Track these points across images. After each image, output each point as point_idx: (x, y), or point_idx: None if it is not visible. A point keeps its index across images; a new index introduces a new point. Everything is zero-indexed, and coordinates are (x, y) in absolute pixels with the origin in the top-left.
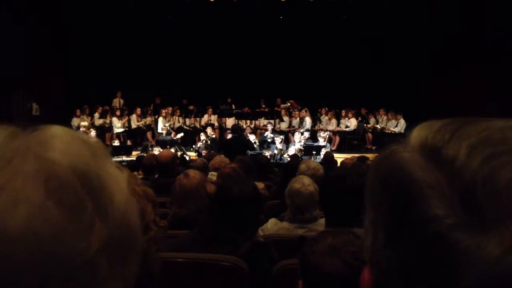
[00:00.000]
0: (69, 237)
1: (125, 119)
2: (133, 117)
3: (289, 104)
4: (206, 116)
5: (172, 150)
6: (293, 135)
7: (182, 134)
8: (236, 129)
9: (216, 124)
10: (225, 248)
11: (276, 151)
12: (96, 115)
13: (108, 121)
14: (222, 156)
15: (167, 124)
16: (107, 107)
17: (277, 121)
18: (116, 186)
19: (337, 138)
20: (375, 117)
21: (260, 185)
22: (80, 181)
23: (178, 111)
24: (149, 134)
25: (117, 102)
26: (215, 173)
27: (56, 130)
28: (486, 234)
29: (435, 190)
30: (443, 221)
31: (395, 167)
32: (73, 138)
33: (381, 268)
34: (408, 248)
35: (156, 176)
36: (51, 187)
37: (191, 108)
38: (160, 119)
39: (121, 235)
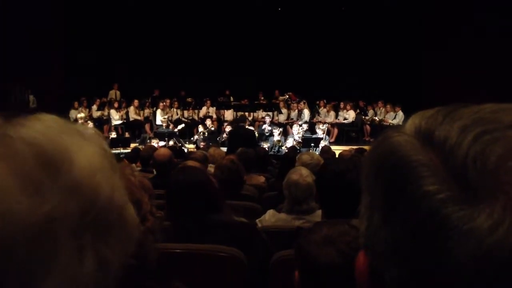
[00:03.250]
0: (11, 195)
1: (123, 111)
2: (131, 109)
3: (287, 96)
4: (204, 108)
5: (171, 142)
6: (291, 127)
7: (183, 125)
8: (241, 120)
9: (214, 116)
10: (219, 235)
11: (274, 142)
12: (94, 107)
13: (106, 113)
14: (215, 148)
15: (165, 117)
16: (105, 99)
17: (275, 113)
18: (81, 158)
19: (336, 130)
20: (373, 109)
21: (261, 178)
22: (35, 152)
23: (176, 103)
24: (147, 126)
25: (114, 94)
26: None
27: (44, 116)
28: (477, 207)
29: (429, 168)
30: (435, 196)
31: (390, 150)
32: (54, 121)
33: (376, 250)
34: (402, 227)
35: (154, 174)
36: (3, 156)
37: (189, 101)
38: (159, 112)
39: (82, 205)
